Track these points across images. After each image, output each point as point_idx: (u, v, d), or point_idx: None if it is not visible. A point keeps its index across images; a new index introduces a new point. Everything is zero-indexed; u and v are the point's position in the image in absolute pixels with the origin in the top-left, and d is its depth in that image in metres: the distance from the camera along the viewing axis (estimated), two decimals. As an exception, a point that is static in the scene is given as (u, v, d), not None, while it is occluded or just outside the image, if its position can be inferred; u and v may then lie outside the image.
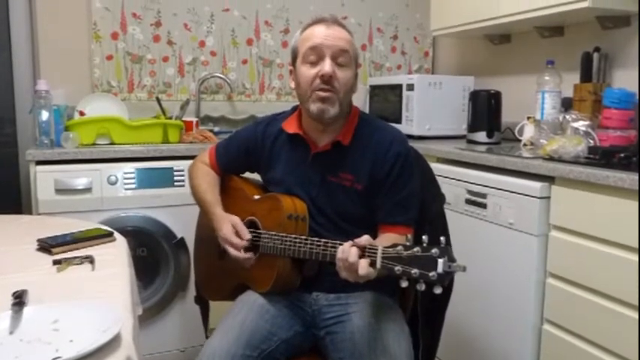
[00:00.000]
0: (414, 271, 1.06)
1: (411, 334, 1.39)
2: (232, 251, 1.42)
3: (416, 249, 1.08)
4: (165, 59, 2.79)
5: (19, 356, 0.83)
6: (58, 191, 2.08)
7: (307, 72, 1.36)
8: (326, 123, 1.40)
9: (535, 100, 2.24)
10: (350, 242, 1.17)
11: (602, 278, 1.54)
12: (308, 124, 1.44)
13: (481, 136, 2.44)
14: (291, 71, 1.45)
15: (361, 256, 1.14)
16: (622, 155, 1.60)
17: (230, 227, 1.43)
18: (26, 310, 0.96)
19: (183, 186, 2.20)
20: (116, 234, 1.50)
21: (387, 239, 1.30)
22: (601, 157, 1.66)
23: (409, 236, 1.14)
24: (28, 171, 2.14)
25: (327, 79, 1.33)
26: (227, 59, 2.91)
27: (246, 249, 1.42)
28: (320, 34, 1.35)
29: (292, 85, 1.45)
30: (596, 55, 2.18)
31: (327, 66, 1.33)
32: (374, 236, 1.26)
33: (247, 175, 1.63)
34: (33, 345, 0.87)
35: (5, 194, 2.54)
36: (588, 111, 2.06)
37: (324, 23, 1.38)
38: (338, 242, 1.21)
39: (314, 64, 1.35)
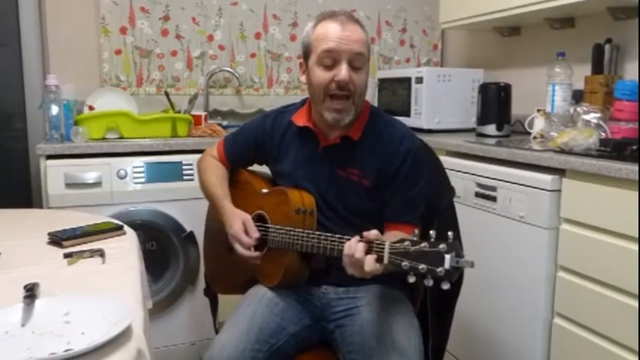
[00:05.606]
0: (422, 266, 1.05)
1: (421, 327, 1.38)
2: (241, 250, 1.42)
3: (423, 244, 1.07)
4: (174, 53, 2.79)
5: (31, 348, 0.83)
6: (68, 185, 2.09)
7: (322, 75, 1.33)
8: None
9: (545, 92, 2.22)
10: (357, 237, 1.17)
11: (613, 271, 1.52)
12: (318, 117, 1.43)
13: (491, 129, 2.42)
14: (301, 64, 1.43)
15: (368, 252, 1.13)
16: (634, 147, 1.58)
17: (240, 225, 1.43)
18: (38, 302, 0.97)
19: (192, 180, 2.20)
20: (126, 227, 1.50)
21: (394, 236, 1.29)
22: (612, 149, 1.64)
23: (416, 231, 1.14)
24: (38, 165, 2.15)
25: (343, 85, 1.32)
26: (235, 53, 2.91)
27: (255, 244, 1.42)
28: (335, 35, 1.31)
29: (302, 78, 1.43)
30: (607, 47, 2.16)
31: (343, 72, 1.31)
32: (382, 231, 1.25)
33: (256, 168, 1.63)
34: (45, 337, 0.87)
35: (16, 188, 2.56)
36: (599, 103, 2.04)
37: (338, 21, 1.33)
38: (346, 237, 1.21)
39: (329, 67, 1.33)
